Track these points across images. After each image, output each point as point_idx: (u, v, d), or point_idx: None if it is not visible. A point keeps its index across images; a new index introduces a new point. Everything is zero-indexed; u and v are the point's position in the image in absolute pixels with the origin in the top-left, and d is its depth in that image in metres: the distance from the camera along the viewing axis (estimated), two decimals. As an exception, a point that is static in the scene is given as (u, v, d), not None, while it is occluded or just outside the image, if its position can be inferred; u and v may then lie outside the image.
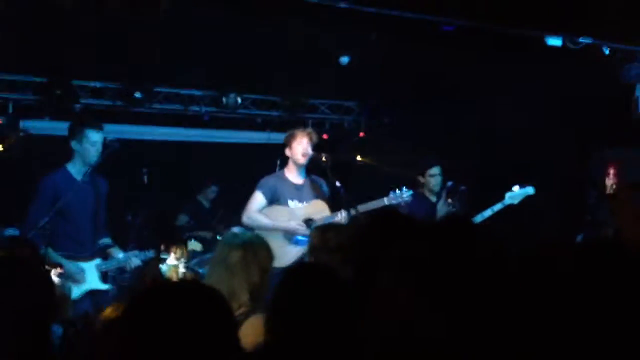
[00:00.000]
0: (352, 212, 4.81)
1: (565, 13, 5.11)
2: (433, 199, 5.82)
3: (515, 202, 5.55)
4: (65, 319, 2.62)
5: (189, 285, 1.49)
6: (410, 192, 5.19)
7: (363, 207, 4.93)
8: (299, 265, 2.30)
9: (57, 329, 2.43)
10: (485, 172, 6.69)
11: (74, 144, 4.61)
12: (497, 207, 5.54)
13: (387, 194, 5.15)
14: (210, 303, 1.36)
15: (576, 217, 6.40)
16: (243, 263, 2.89)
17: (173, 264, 3.70)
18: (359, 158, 7.42)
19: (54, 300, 1.85)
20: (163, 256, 3.34)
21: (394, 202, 5.10)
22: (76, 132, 4.60)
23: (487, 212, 5.54)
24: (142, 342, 1.25)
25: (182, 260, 4.11)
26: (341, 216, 4.85)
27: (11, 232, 5.50)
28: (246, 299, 2.81)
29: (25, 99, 6.29)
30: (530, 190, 5.57)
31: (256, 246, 3.02)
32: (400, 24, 5.17)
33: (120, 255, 4.69)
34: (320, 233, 3.48)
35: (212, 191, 7.60)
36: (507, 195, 5.57)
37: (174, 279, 2.50)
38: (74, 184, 4.57)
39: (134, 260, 4.62)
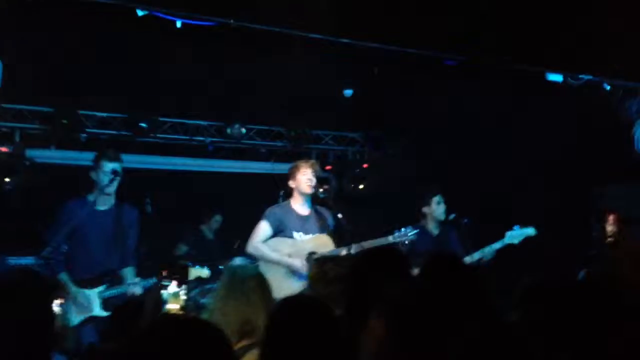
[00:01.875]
0: (356, 247, 4.81)
1: (567, 49, 5.17)
2: (435, 232, 5.81)
3: (516, 242, 5.55)
4: (68, 349, 2.62)
5: (190, 322, 1.49)
6: (415, 231, 5.19)
7: (367, 244, 4.92)
8: (291, 299, 2.31)
9: (59, 358, 2.43)
10: (486, 204, 6.69)
11: (93, 175, 4.77)
12: (497, 245, 5.53)
13: (391, 233, 5.15)
14: (211, 340, 1.37)
15: (580, 251, 6.38)
16: (259, 292, 2.90)
17: (174, 292, 3.70)
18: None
19: (54, 330, 1.86)
20: (165, 283, 3.35)
21: (398, 240, 5.09)
22: (95, 162, 4.76)
23: (487, 250, 5.54)
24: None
25: (184, 288, 4.12)
26: (345, 252, 4.84)
27: (15, 260, 5.54)
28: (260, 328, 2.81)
29: (32, 128, 6.36)
30: (530, 231, 5.57)
31: (263, 276, 3.04)
32: (403, 59, 5.24)
33: (127, 281, 4.74)
34: (319, 265, 3.50)
35: (215, 221, 7.60)
36: (508, 234, 5.56)
37: (176, 306, 2.50)
38: (90, 211, 4.67)
39: (135, 288, 4.68)
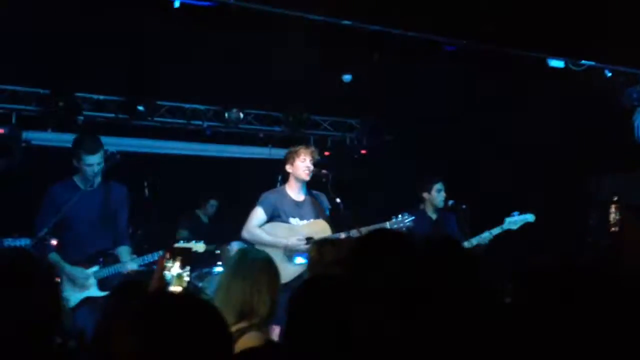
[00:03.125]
0: (354, 233, 4.80)
1: (569, 35, 5.14)
2: (433, 216, 5.85)
3: (514, 227, 5.61)
4: (64, 331, 2.61)
5: (187, 299, 1.48)
6: (412, 217, 5.20)
7: (364, 230, 4.92)
8: (316, 279, 2.32)
9: (56, 340, 2.41)
10: (485, 191, 6.69)
11: (74, 162, 4.69)
12: (496, 231, 5.60)
13: (389, 219, 5.16)
14: (208, 317, 1.36)
15: (577, 239, 6.39)
16: (266, 275, 2.89)
17: (178, 273, 3.67)
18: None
19: (58, 311, 1.84)
20: (168, 264, 3.33)
21: (395, 227, 5.10)
22: (75, 153, 4.66)
23: (485, 235, 5.58)
24: (139, 356, 1.25)
25: (187, 269, 4.09)
26: (343, 237, 4.83)
27: (10, 242, 5.51)
28: (265, 313, 2.80)
29: (29, 110, 6.32)
30: (529, 217, 5.64)
31: (273, 262, 3.03)
32: (403, 43, 5.20)
33: (123, 260, 4.72)
34: (317, 247, 3.50)
35: (211, 205, 7.59)
36: (507, 220, 5.63)
37: (179, 288, 2.48)
38: (77, 193, 4.61)
39: (130, 264, 4.66)
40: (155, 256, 4.68)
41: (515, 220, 5.61)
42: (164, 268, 2.41)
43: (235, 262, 2.98)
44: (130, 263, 4.68)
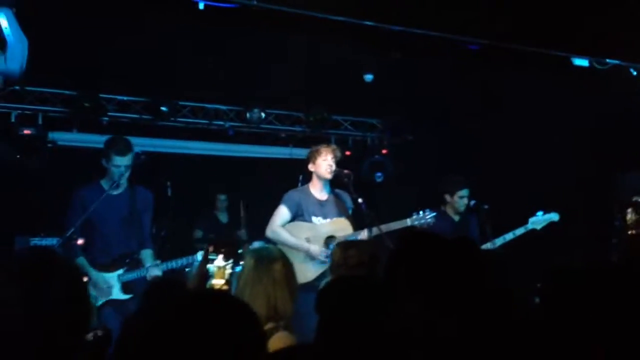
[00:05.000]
0: (375, 230, 4.81)
1: (594, 33, 5.08)
2: (456, 218, 5.80)
3: (538, 227, 5.53)
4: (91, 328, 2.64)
5: (222, 297, 1.48)
6: (434, 214, 5.18)
7: (385, 227, 4.92)
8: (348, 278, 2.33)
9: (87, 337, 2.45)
10: (508, 191, 6.64)
11: (103, 162, 4.77)
12: (520, 231, 5.52)
13: (409, 215, 5.14)
14: (243, 316, 1.36)
15: (603, 239, 6.31)
16: (285, 274, 2.89)
17: (220, 265, 3.70)
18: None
19: (87, 307, 1.86)
20: (211, 257, 3.36)
21: (416, 223, 5.09)
22: (105, 153, 4.74)
23: (509, 236, 5.53)
24: (168, 354, 1.25)
25: (230, 262, 4.12)
26: (363, 235, 4.84)
27: (36, 241, 5.61)
28: (290, 311, 2.80)
29: (55, 111, 6.41)
30: (554, 216, 5.55)
31: (288, 259, 3.03)
32: (425, 43, 5.19)
33: (147, 264, 4.77)
34: (342, 250, 3.50)
35: (221, 201, 7.53)
36: (530, 220, 5.56)
37: (221, 281, 2.50)
38: (104, 196, 4.68)
39: (153, 270, 4.70)
40: (179, 263, 4.73)
41: (539, 220, 5.54)
42: (207, 262, 2.45)
43: (252, 265, 2.95)
44: (154, 269, 4.72)
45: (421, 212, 5.15)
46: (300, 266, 4.70)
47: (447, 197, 5.78)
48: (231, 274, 2.55)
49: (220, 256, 2.48)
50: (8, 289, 1.68)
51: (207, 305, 1.35)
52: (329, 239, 4.97)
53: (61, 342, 1.65)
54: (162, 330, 1.31)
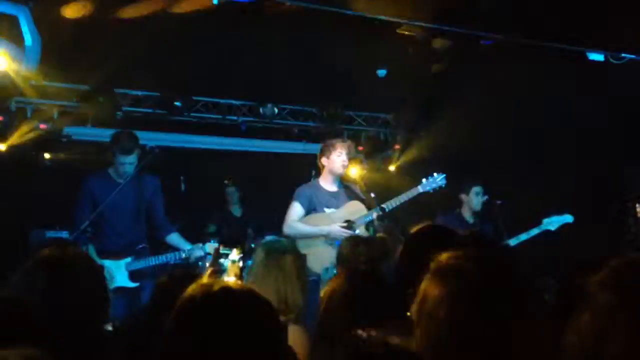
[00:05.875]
0: (389, 206, 4.86)
1: (610, 28, 5.04)
2: (470, 220, 5.77)
3: (553, 228, 5.54)
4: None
5: (241, 291, 1.49)
6: (444, 175, 5.15)
7: (398, 200, 4.94)
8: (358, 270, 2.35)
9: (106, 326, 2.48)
10: (521, 188, 6.61)
11: (111, 155, 4.81)
12: (534, 231, 5.55)
13: (419, 182, 5.14)
14: (263, 309, 1.37)
15: (618, 235, 6.28)
16: (295, 267, 2.90)
17: (233, 259, 3.74)
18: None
19: (107, 296, 1.90)
20: (225, 251, 3.40)
21: (428, 188, 5.09)
22: (111, 149, 4.80)
23: (523, 236, 5.53)
24: (192, 346, 1.26)
25: (241, 255, 4.15)
26: (377, 214, 4.83)
27: (53, 234, 5.67)
28: (300, 304, 2.81)
29: (70, 105, 6.46)
30: (568, 218, 5.59)
31: (299, 252, 3.04)
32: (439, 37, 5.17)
33: (187, 247, 4.82)
34: (352, 246, 3.49)
35: (229, 194, 7.53)
36: (545, 220, 5.58)
37: (235, 274, 2.52)
38: (111, 185, 4.73)
39: (197, 251, 4.75)
40: (187, 253, 4.76)
41: (553, 221, 5.55)
42: (219, 257, 2.46)
43: (263, 259, 2.96)
44: (197, 251, 4.73)
45: (430, 178, 5.13)
46: (323, 253, 4.73)
47: (463, 197, 5.76)
48: (242, 268, 2.55)
49: (235, 250, 2.50)
50: (37, 279, 1.72)
51: (229, 298, 1.36)
52: (346, 222, 4.97)
53: (85, 329, 1.68)
54: (179, 323, 1.32)
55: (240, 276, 2.54)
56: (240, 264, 2.54)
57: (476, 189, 5.71)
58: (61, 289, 1.75)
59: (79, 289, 1.77)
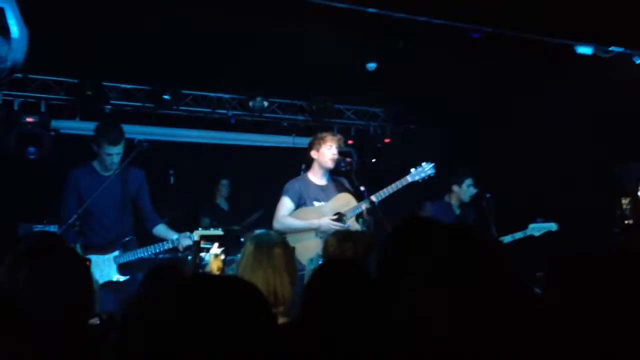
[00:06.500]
0: (379, 197, 4.87)
1: (597, 20, 5.06)
2: (457, 211, 5.88)
3: (537, 234, 5.66)
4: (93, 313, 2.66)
5: (230, 279, 1.47)
6: (432, 164, 5.17)
7: (387, 190, 4.94)
8: (330, 262, 2.32)
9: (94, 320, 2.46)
10: (511, 182, 6.63)
11: (95, 148, 4.78)
12: (519, 235, 5.66)
13: (408, 172, 5.15)
14: (253, 299, 1.36)
15: (604, 228, 6.32)
16: (285, 259, 2.88)
17: (215, 253, 3.74)
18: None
19: (91, 289, 1.88)
20: (206, 245, 3.40)
21: (417, 178, 5.10)
22: (96, 140, 4.75)
23: (507, 239, 5.59)
24: (178, 336, 1.25)
25: (223, 249, 4.15)
26: (365, 206, 4.82)
27: (39, 228, 5.63)
28: (290, 297, 2.80)
29: (57, 99, 6.41)
30: (553, 226, 5.71)
31: (288, 244, 3.03)
32: (428, 31, 5.17)
33: (174, 237, 4.78)
34: (338, 242, 3.48)
35: (223, 186, 7.49)
36: (530, 226, 5.73)
37: (218, 267, 2.50)
38: (96, 178, 4.71)
39: (185, 240, 4.71)
40: (175, 242, 4.74)
41: (538, 227, 5.68)
42: (200, 251, 2.45)
43: (252, 252, 2.93)
44: (185, 239, 4.68)
45: (419, 167, 5.14)
46: (314, 249, 4.70)
47: (455, 188, 5.85)
48: (223, 261, 2.54)
49: (216, 244, 2.48)
50: (19, 271, 1.70)
51: (215, 289, 1.35)
52: (337, 215, 4.97)
53: (69, 323, 1.67)
54: (168, 315, 1.30)
55: (222, 269, 2.53)
56: (222, 257, 2.53)
57: (468, 180, 5.83)
58: (43, 281, 1.73)
59: (62, 281, 1.76)
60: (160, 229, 4.92)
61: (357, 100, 7.63)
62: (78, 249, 4.59)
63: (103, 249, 4.74)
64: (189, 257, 4.69)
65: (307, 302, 2.00)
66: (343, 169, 5.06)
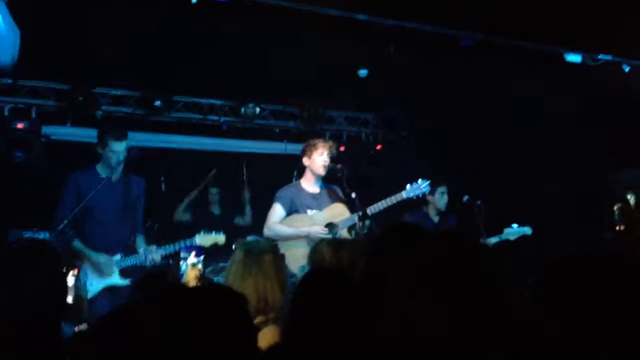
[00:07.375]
0: (372, 210, 4.87)
1: (586, 29, 5.10)
2: (435, 219, 5.98)
3: (512, 238, 5.74)
4: (82, 320, 2.65)
5: (212, 288, 1.48)
6: (428, 182, 5.18)
7: (382, 204, 4.94)
8: (315, 271, 2.32)
9: (69, 329, 2.44)
10: (502, 187, 6.66)
11: (99, 149, 4.77)
12: (493, 239, 5.67)
13: (404, 188, 5.15)
14: (233, 307, 1.35)
15: (595, 234, 6.36)
16: (275, 266, 2.88)
17: (193, 262, 3.74)
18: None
19: (65, 299, 1.86)
20: (184, 255, 3.40)
21: (412, 195, 5.10)
22: (101, 140, 4.75)
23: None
24: (159, 345, 1.25)
25: (201, 259, 4.15)
26: (357, 218, 4.82)
27: (30, 235, 5.60)
28: (279, 304, 2.79)
29: (48, 105, 6.39)
30: (527, 230, 5.81)
31: (278, 251, 3.02)
32: (419, 37, 5.19)
33: (140, 249, 4.78)
34: (333, 251, 3.46)
35: (211, 194, 7.47)
36: (505, 230, 5.79)
37: (193, 278, 2.49)
38: (99, 182, 4.68)
39: (153, 255, 4.73)
40: (176, 247, 4.74)
41: (513, 232, 5.74)
42: (177, 266, 2.45)
43: (242, 258, 2.92)
44: (154, 253, 4.74)
45: (415, 183, 5.15)
46: (304, 253, 4.68)
47: (429, 197, 5.92)
48: (201, 271, 2.53)
49: (193, 253, 2.48)
50: None
51: (198, 298, 1.35)
52: (329, 226, 4.96)
53: (38, 330, 1.65)
54: (152, 323, 1.30)
55: (200, 279, 2.53)
56: (200, 267, 2.53)
57: (441, 189, 5.95)
58: (11, 298, 1.72)
59: (32, 297, 1.74)
60: (138, 241, 4.90)
61: (348, 107, 7.64)
62: (79, 245, 4.58)
63: (105, 252, 4.73)
64: (181, 264, 4.68)
65: (293, 311, 2.00)
66: (339, 174, 5.04)
